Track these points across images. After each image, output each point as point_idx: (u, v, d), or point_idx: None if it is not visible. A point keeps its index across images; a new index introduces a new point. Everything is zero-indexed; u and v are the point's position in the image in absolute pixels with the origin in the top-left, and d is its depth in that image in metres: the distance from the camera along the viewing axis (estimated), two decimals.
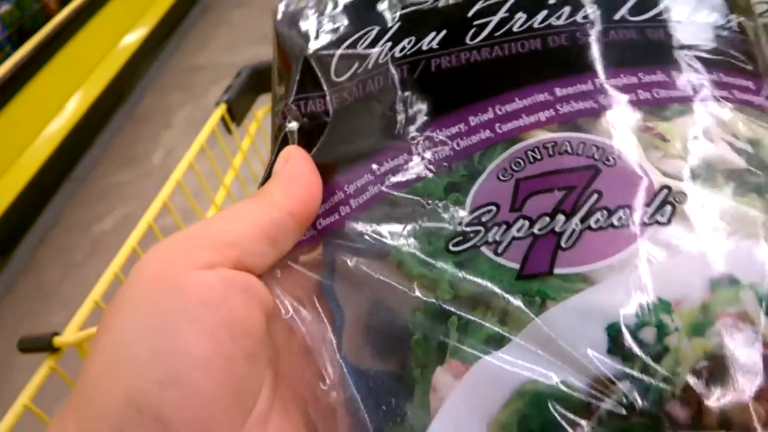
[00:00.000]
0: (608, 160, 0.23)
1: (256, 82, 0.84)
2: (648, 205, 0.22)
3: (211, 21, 2.66)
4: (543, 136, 0.24)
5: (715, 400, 0.19)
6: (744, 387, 0.20)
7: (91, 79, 2.04)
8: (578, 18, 0.25)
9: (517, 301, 0.22)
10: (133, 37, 2.24)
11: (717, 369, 0.20)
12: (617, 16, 0.26)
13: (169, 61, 2.47)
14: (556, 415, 0.20)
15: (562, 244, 0.22)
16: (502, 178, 0.24)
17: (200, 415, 0.21)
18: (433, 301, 0.23)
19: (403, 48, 0.27)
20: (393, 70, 0.27)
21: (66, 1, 2.05)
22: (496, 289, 0.22)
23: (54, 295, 1.67)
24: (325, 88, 0.28)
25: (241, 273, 0.24)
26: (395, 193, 0.25)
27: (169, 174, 0.72)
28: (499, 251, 0.23)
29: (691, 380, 0.20)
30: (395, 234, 0.24)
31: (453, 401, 0.22)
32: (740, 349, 0.20)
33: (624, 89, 0.24)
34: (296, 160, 0.26)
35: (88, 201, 1.95)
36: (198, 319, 0.22)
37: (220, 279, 0.23)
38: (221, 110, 0.81)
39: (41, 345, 0.77)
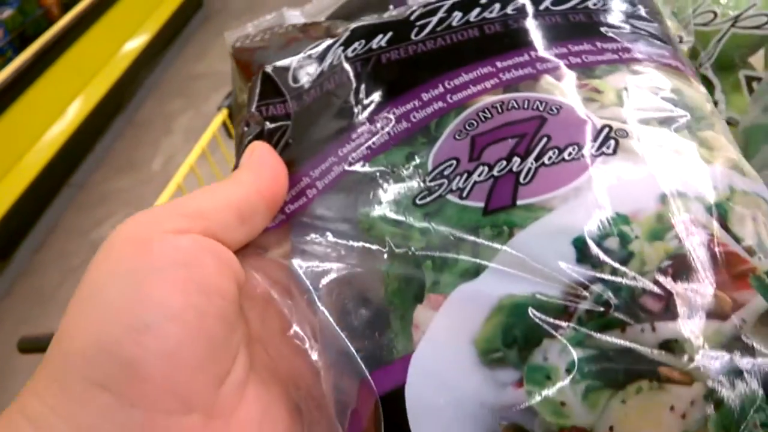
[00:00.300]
0: (552, 110, 0.26)
1: None
2: (594, 140, 0.25)
3: (211, 30, 2.67)
4: (491, 98, 0.26)
5: (684, 291, 0.21)
6: (708, 279, 0.22)
7: (91, 84, 2.05)
8: (508, 10, 0.29)
9: (486, 234, 0.24)
10: (135, 44, 2.25)
11: (680, 266, 0.22)
12: (542, 7, 0.29)
13: (169, 68, 2.48)
14: (536, 320, 0.22)
15: (521, 180, 0.24)
16: (458, 137, 0.26)
17: (173, 365, 0.21)
18: (406, 251, 0.24)
19: (354, 49, 0.29)
20: (347, 68, 0.29)
21: (68, 6, 2.06)
22: (465, 229, 0.24)
23: (52, 299, 1.67)
24: (285, 93, 0.30)
25: (212, 240, 0.24)
26: (359, 167, 0.27)
27: (168, 180, 0.73)
28: (464, 195, 0.25)
29: (659, 277, 0.22)
30: (362, 203, 0.26)
31: (435, 327, 0.23)
32: (698, 247, 0.22)
33: (557, 57, 0.27)
34: (261, 150, 0.28)
35: (87, 206, 1.95)
36: (168, 273, 0.22)
37: (190, 240, 0.23)
38: (223, 115, 0.82)
39: (41, 345, 0.77)
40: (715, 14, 0.41)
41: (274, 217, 0.27)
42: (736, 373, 0.20)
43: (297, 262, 0.26)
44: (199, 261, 0.23)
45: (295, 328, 0.26)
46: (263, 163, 0.27)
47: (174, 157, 2.02)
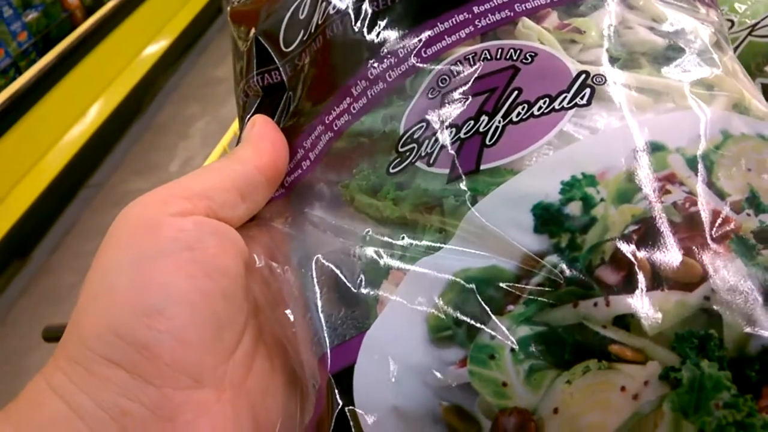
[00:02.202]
0: (526, 59, 0.24)
1: None
2: (567, 90, 0.23)
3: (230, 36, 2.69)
4: (464, 49, 0.25)
5: (647, 260, 0.19)
6: (677, 244, 0.19)
7: (112, 88, 2.08)
8: None
9: (449, 203, 0.22)
10: (155, 49, 2.27)
11: (647, 231, 0.20)
12: None
13: (188, 73, 2.51)
14: (488, 295, 0.21)
15: (487, 142, 0.23)
16: (430, 96, 0.25)
17: (182, 345, 0.23)
18: (381, 224, 0.24)
19: (338, 1, 0.28)
20: (330, 26, 0.28)
21: (92, 11, 2.09)
22: (431, 198, 0.23)
23: (68, 298, 1.68)
24: (276, 60, 0.29)
25: (214, 220, 0.25)
26: (342, 134, 0.26)
27: None
28: (431, 162, 0.23)
29: (621, 245, 0.20)
30: (346, 174, 0.25)
31: (391, 304, 0.22)
32: (670, 209, 0.20)
33: None
34: (261, 124, 0.28)
35: (104, 208, 1.97)
36: (172, 256, 0.23)
37: (193, 222, 0.24)
38: None
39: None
40: (733, 22, 0.40)
41: (276, 189, 0.27)
42: (697, 350, 0.18)
43: (292, 237, 0.26)
44: (203, 243, 0.24)
45: (288, 305, 0.26)
46: (262, 137, 0.28)
47: (191, 161, 2.04)
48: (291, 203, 0.27)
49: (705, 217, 0.20)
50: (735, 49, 0.39)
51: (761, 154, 0.22)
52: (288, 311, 0.25)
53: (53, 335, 0.79)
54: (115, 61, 2.13)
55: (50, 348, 0.24)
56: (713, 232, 0.20)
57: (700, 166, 0.21)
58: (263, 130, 0.28)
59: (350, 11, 0.27)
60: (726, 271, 0.19)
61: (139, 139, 2.22)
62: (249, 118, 0.29)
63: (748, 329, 0.18)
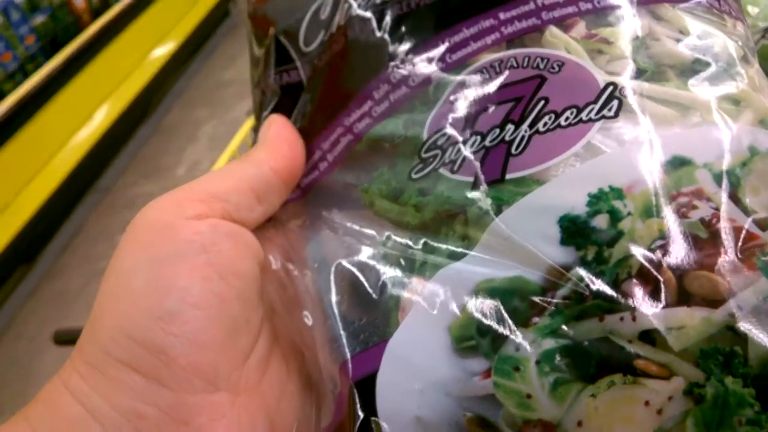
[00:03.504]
0: (553, 68, 0.24)
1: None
2: (594, 102, 0.22)
3: (238, 39, 2.70)
4: (490, 56, 0.25)
5: (673, 275, 0.19)
6: (703, 260, 0.19)
7: (119, 91, 2.08)
8: None
9: (473, 212, 0.22)
10: (162, 52, 2.28)
11: (674, 247, 0.20)
12: None
13: (196, 76, 2.51)
14: (512, 306, 0.21)
15: (513, 151, 0.23)
16: (454, 103, 0.25)
17: (197, 348, 0.23)
18: (402, 230, 0.24)
19: (360, 4, 0.28)
20: (352, 28, 0.28)
21: (99, 14, 2.09)
22: (455, 206, 0.23)
23: (76, 301, 1.68)
24: (296, 59, 0.29)
25: (229, 222, 0.25)
26: (363, 137, 0.26)
27: None
28: (455, 169, 0.23)
29: (647, 260, 0.20)
30: (365, 178, 0.25)
31: (414, 312, 0.22)
32: (697, 225, 0.20)
33: (565, 4, 0.25)
34: (278, 125, 0.28)
35: (112, 211, 1.97)
36: (188, 259, 0.23)
37: (209, 225, 0.24)
38: (252, 120, 0.82)
39: (76, 337, 0.78)
40: None
41: (292, 191, 0.27)
42: (722, 367, 0.18)
43: (309, 241, 0.26)
44: (218, 246, 0.24)
45: (305, 308, 0.26)
46: (279, 138, 0.27)
47: (199, 164, 2.04)
48: (307, 205, 0.27)
49: (731, 233, 0.20)
50: None
51: None
52: (306, 313, 0.25)
53: (64, 338, 0.79)
54: (123, 65, 2.13)
55: (59, 351, 0.24)
56: (739, 249, 0.20)
57: (727, 182, 0.21)
58: (280, 131, 0.28)
59: (372, 14, 0.27)
60: (752, 289, 0.19)
61: (146, 142, 2.23)
62: (266, 117, 0.29)
63: None
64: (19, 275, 1.79)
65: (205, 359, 0.23)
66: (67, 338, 0.79)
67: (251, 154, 0.27)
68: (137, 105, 2.13)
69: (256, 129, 0.30)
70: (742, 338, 0.19)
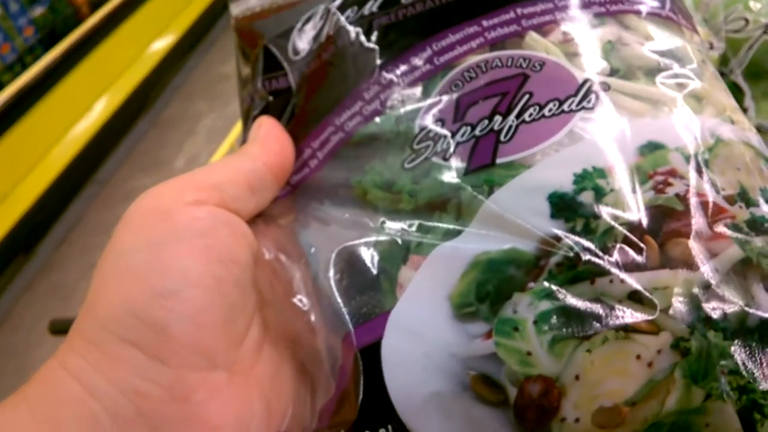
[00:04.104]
0: (535, 67, 0.26)
1: None
2: (575, 95, 0.25)
3: None
4: (476, 58, 0.27)
5: (655, 242, 0.21)
6: (681, 229, 0.22)
7: (118, 83, 2.08)
8: None
9: (467, 192, 0.24)
10: (161, 45, 2.28)
11: (654, 218, 0.22)
12: None
13: (195, 69, 2.51)
14: (509, 274, 0.22)
15: (502, 139, 0.24)
16: (444, 99, 0.26)
17: (197, 326, 0.23)
18: (395, 215, 0.25)
19: (348, 16, 0.30)
20: (341, 37, 0.30)
21: (97, 6, 2.09)
22: (449, 189, 0.24)
23: (73, 294, 1.69)
24: (285, 66, 0.31)
25: (226, 211, 0.26)
26: (354, 135, 0.28)
27: None
28: (447, 157, 0.25)
29: (631, 230, 0.22)
30: (357, 170, 0.27)
31: (414, 285, 0.23)
32: (674, 198, 0.22)
33: (541, 14, 0.27)
34: (268, 124, 0.29)
35: (110, 203, 1.97)
36: (187, 241, 0.24)
37: (207, 212, 0.25)
38: None
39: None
40: (747, 21, 0.41)
41: (282, 188, 0.28)
42: (704, 322, 0.20)
43: (300, 231, 0.27)
44: (216, 231, 0.25)
45: (299, 293, 0.27)
46: (270, 137, 0.28)
47: (197, 158, 2.04)
48: (297, 201, 0.29)
49: (703, 207, 0.22)
50: (749, 48, 0.40)
51: (747, 158, 0.24)
52: (300, 298, 0.26)
53: (60, 328, 0.79)
54: (121, 57, 2.13)
55: (55, 343, 0.24)
56: (711, 221, 0.22)
57: (697, 164, 0.23)
58: (270, 129, 0.29)
59: (360, 26, 0.29)
60: (724, 254, 0.21)
61: (144, 135, 2.23)
62: (254, 119, 0.30)
63: (746, 307, 0.20)
64: (16, 267, 1.79)
65: (205, 338, 0.23)
66: (63, 328, 0.79)
67: (244, 149, 0.28)
68: (136, 98, 2.13)
69: (244, 129, 0.31)
70: (720, 297, 0.21)
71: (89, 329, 0.23)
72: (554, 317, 0.21)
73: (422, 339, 0.22)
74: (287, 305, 0.27)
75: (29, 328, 1.62)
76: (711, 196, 0.22)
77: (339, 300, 0.25)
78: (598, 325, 0.21)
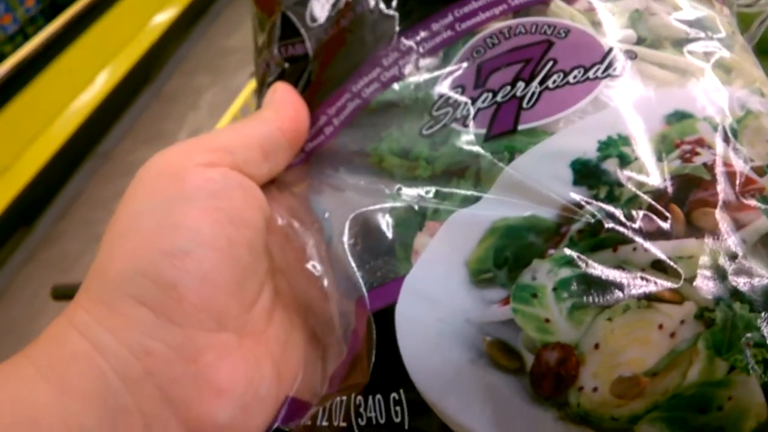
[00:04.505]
0: (560, 34, 0.25)
1: None
2: (600, 63, 0.24)
3: (241, 6, 2.67)
4: (499, 24, 0.26)
5: (681, 211, 0.21)
6: (708, 198, 0.21)
7: (120, 55, 2.06)
8: None
9: (487, 159, 0.23)
10: (165, 17, 2.26)
11: (680, 187, 0.21)
12: None
13: (198, 42, 2.49)
14: (527, 241, 0.22)
15: (524, 105, 0.24)
16: (465, 65, 0.26)
17: (208, 287, 0.23)
18: (412, 182, 0.25)
19: None
20: (360, 4, 0.29)
21: None
22: (468, 156, 0.24)
23: (74, 266, 1.69)
24: (303, 33, 0.30)
25: (238, 173, 0.25)
26: (371, 102, 0.27)
27: None
28: (467, 123, 0.24)
29: (657, 198, 0.21)
30: (373, 137, 0.26)
31: (430, 250, 0.23)
32: (701, 168, 0.21)
33: None
34: (283, 90, 0.29)
35: (112, 176, 1.97)
36: (198, 202, 0.24)
37: (219, 173, 0.25)
38: (254, 83, 0.82)
39: (75, 292, 0.79)
40: None
41: (296, 155, 0.28)
42: (730, 293, 0.20)
43: (314, 197, 0.27)
44: (228, 193, 0.24)
45: (312, 259, 0.26)
46: (285, 102, 0.28)
47: (200, 131, 2.03)
48: (312, 169, 0.28)
49: (732, 177, 0.21)
50: (761, 24, 0.40)
51: None
52: (313, 264, 0.26)
53: (63, 293, 0.79)
54: (124, 29, 2.11)
55: (58, 311, 0.24)
56: (740, 191, 0.21)
57: (726, 134, 0.22)
58: (285, 94, 0.28)
59: None
60: (752, 226, 0.21)
61: (147, 108, 2.22)
62: (269, 85, 0.30)
63: None
64: (18, 239, 1.79)
65: (216, 299, 0.23)
66: (66, 293, 0.79)
67: (259, 113, 0.28)
68: (138, 71, 2.12)
69: (258, 96, 0.31)
70: (747, 268, 0.20)
71: (98, 288, 0.23)
72: (574, 284, 0.21)
73: (437, 304, 0.22)
74: (300, 271, 0.26)
75: (30, 300, 1.63)
76: (739, 167, 0.22)
77: (353, 264, 0.24)
78: (619, 293, 0.20)
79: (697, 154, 0.22)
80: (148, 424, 0.22)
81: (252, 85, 0.82)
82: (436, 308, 0.22)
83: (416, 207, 0.24)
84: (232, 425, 0.23)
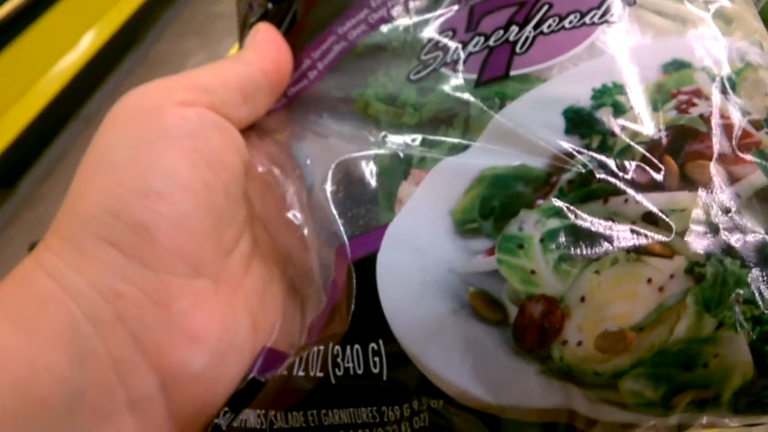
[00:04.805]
0: None
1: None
2: (598, 8, 0.23)
3: None
4: None
5: (675, 163, 0.20)
6: (703, 151, 0.20)
7: (106, 17, 2.03)
8: None
9: (477, 106, 0.23)
10: None
11: (675, 138, 0.21)
12: None
13: (186, 6, 2.45)
14: (516, 190, 0.21)
15: (517, 50, 0.23)
16: (457, 8, 0.25)
17: (182, 231, 0.22)
18: (397, 129, 0.24)
19: None
20: None
21: None
22: (457, 102, 0.23)
23: None
24: None
25: (216, 114, 0.24)
26: (358, 45, 0.26)
27: None
28: (458, 68, 0.24)
29: (650, 149, 0.20)
30: (358, 83, 0.25)
31: (415, 199, 0.22)
32: (697, 119, 0.21)
33: None
34: (265, 30, 0.27)
35: None
36: (174, 141, 0.23)
37: (196, 113, 0.24)
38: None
39: None
40: None
41: (277, 99, 0.27)
42: (722, 248, 0.19)
43: (296, 144, 0.26)
44: (205, 134, 0.23)
45: (292, 208, 0.26)
46: (267, 43, 0.27)
47: None
48: (294, 114, 0.27)
49: (728, 129, 0.21)
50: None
51: None
52: (295, 213, 0.25)
53: None
54: None
55: None
56: (736, 145, 0.21)
57: (723, 85, 0.22)
58: (267, 35, 0.27)
59: None
60: (747, 180, 0.20)
61: (132, 72, 2.18)
62: (251, 28, 0.28)
63: (767, 235, 0.19)
64: None
65: (191, 244, 0.22)
66: None
67: (239, 54, 0.27)
68: (124, 33, 2.09)
69: (240, 39, 0.30)
70: (741, 223, 0.19)
71: (67, 228, 0.22)
72: (562, 236, 0.20)
73: (420, 253, 0.21)
74: (280, 220, 0.26)
75: (11, 262, 1.58)
76: (737, 120, 0.21)
77: (335, 212, 0.23)
78: (608, 245, 0.20)
79: (693, 105, 0.21)
80: (118, 369, 0.21)
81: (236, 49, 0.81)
82: (419, 257, 0.21)
83: (401, 155, 0.23)
84: (205, 374, 0.22)
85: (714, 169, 0.20)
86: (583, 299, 0.19)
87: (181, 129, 0.23)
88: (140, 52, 2.26)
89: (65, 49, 1.91)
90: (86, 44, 1.96)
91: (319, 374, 0.21)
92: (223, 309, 0.23)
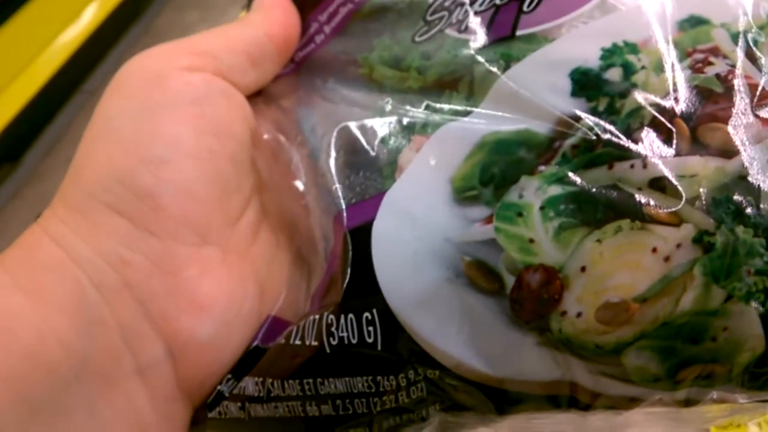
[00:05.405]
0: None
1: None
2: None
3: None
4: None
5: (687, 126, 0.19)
6: (718, 113, 0.19)
7: None
8: None
9: (481, 68, 0.22)
10: None
11: (687, 99, 0.19)
12: None
13: None
14: (518, 156, 0.20)
15: (524, 8, 0.22)
16: None
17: (189, 199, 0.22)
18: (402, 94, 0.23)
19: None
20: None
21: None
22: (461, 65, 0.22)
23: None
24: None
25: (223, 80, 0.24)
26: (364, 6, 0.25)
27: None
28: (463, 28, 0.23)
29: (660, 110, 0.19)
30: (364, 46, 0.25)
31: (414, 165, 0.21)
32: (713, 79, 0.20)
33: None
34: None
35: None
36: (179, 108, 0.22)
37: (202, 79, 0.23)
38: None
39: None
40: None
41: (284, 64, 0.26)
42: (734, 216, 0.18)
43: (301, 109, 0.26)
44: (211, 100, 0.23)
45: (297, 176, 0.25)
46: (274, 5, 0.26)
47: None
48: (301, 79, 0.27)
49: (747, 89, 0.20)
50: None
51: None
52: (299, 182, 0.25)
53: None
54: None
55: None
56: (755, 105, 0.19)
57: (744, 42, 0.20)
58: None
59: None
60: (765, 143, 0.19)
61: (135, 44, 2.17)
62: None
63: None
64: (3, 176, 1.77)
65: (197, 211, 0.22)
66: None
67: (245, 18, 0.26)
68: (127, 5, 2.07)
69: (248, 5, 0.29)
70: (755, 189, 0.18)
71: (73, 196, 0.22)
72: (564, 203, 0.19)
73: (416, 221, 0.21)
74: (286, 188, 0.25)
75: (16, 236, 1.61)
76: (756, 79, 0.20)
77: (334, 177, 0.23)
78: (612, 213, 0.19)
79: (710, 63, 0.20)
80: (125, 336, 0.21)
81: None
82: (415, 226, 0.21)
83: (405, 121, 0.22)
84: (212, 342, 0.22)
85: (730, 131, 0.19)
86: (583, 269, 0.18)
87: (187, 95, 0.23)
88: (143, 24, 2.24)
89: (67, 22, 1.90)
90: (88, 17, 1.95)
91: (314, 343, 0.21)
92: (230, 277, 0.23)
